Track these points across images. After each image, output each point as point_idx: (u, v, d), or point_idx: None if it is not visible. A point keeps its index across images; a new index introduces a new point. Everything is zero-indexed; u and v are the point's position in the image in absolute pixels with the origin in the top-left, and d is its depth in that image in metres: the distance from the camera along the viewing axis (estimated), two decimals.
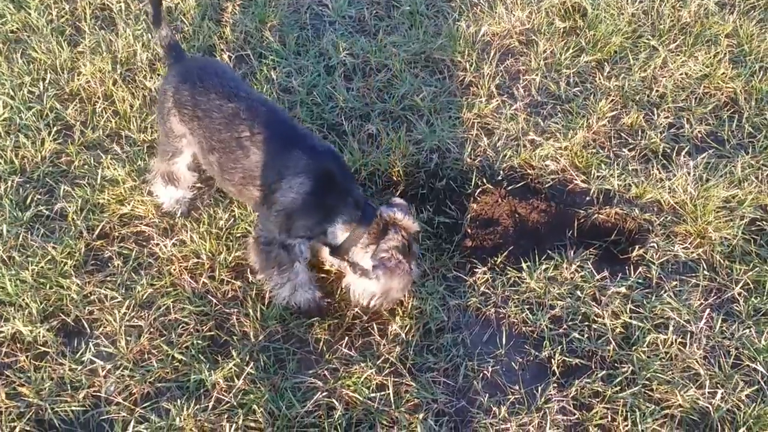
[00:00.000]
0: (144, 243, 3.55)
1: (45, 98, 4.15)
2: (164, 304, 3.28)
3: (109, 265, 3.46)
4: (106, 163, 3.82)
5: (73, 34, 4.64)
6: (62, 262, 3.41)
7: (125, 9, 4.78)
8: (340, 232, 3.08)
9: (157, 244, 3.51)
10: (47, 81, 4.27)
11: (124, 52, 4.44)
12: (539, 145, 4.03)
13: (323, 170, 3.00)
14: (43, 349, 3.13)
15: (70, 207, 3.63)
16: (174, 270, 3.41)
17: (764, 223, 3.75)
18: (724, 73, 4.56)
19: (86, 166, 3.85)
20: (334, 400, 2.99)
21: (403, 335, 3.23)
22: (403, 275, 3.04)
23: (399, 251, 3.02)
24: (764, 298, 3.41)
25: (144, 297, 3.32)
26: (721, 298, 3.43)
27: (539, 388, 3.08)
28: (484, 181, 3.85)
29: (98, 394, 3.01)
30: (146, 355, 3.14)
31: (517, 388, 3.09)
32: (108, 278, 3.40)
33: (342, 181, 3.05)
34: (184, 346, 3.16)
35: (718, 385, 3.09)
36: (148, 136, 3.99)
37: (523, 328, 3.30)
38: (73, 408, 2.96)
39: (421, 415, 2.97)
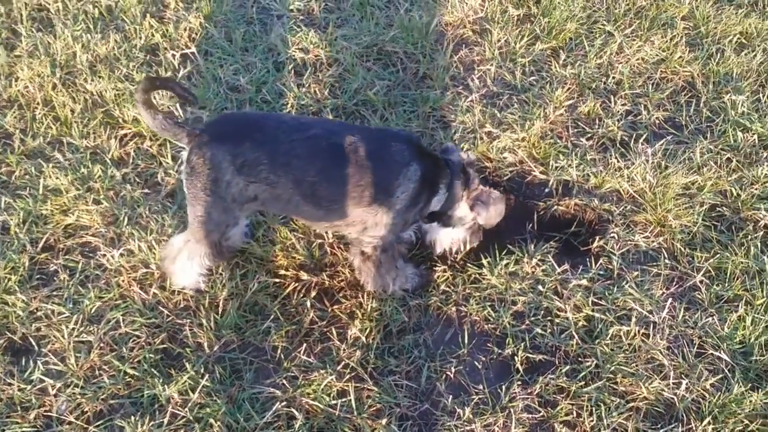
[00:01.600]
0: (90, 254, 3.41)
1: None
2: (114, 318, 3.15)
3: (55, 278, 3.32)
4: (48, 172, 3.66)
5: (9, 38, 4.45)
6: (5, 277, 3.27)
7: (63, 9, 4.59)
8: (442, 197, 3.17)
9: (104, 255, 3.37)
10: None
11: (63, 54, 4.27)
12: (496, 137, 3.97)
13: (418, 148, 3.03)
14: None
15: (12, 220, 3.48)
16: (123, 281, 3.29)
17: (724, 208, 3.74)
18: (680, 56, 4.54)
19: (27, 176, 3.68)
20: (293, 410, 2.90)
21: (363, 339, 3.15)
22: (498, 201, 3.24)
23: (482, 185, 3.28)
24: (726, 285, 3.40)
25: (92, 311, 3.19)
26: (683, 287, 3.41)
27: (503, 387, 3.02)
28: None
29: (50, 413, 2.90)
30: (97, 372, 3.02)
31: (481, 387, 3.03)
32: (54, 293, 3.27)
33: (429, 150, 3.15)
34: (136, 360, 3.05)
35: (683, 376, 3.07)
36: (91, 142, 3.83)
37: (486, 326, 3.24)
38: (25, 429, 2.84)
39: (384, 421, 2.90)
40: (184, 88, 3.00)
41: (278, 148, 2.84)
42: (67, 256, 3.39)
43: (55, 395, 2.94)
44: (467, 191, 3.20)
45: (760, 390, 3.01)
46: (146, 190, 3.65)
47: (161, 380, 2.96)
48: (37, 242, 3.43)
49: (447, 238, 3.37)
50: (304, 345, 3.13)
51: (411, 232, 3.28)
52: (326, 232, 3.47)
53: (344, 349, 3.12)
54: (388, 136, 3.11)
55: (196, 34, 4.49)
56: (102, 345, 3.09)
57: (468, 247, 3.41)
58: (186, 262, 3.14)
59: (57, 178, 3.63)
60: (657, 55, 4.55)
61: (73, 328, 3.12)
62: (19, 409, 2.90)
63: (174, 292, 3.26)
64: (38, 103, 4.03)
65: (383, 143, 2.98)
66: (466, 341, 3.17)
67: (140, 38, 4.42)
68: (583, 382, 3.03)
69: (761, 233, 3.62)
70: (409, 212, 3.05)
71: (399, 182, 2.94)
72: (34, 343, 3.10)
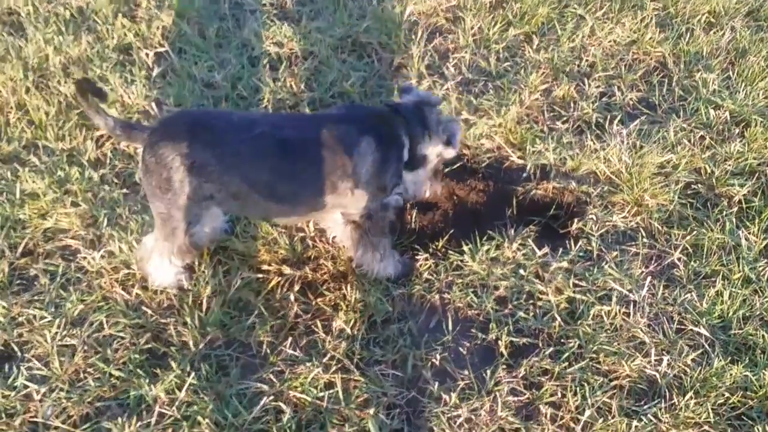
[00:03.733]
0: (71, 257, 3.39)
1: None
2: (97, 320, 3.13)
3: (36, 283, 3.30)
4: (25, 176, 3.63)
5: None
6: None
7: (33, 12, 4.56)
8: (406, 144, 3.17)
9: (85, 258, 3.35)
10: None
11: (35, 57, 4.23)
12: (473, 124, 3.99)
13: (364, 120, 3.06)
14: None
15: None
16: (104, 283, 3.27)
17: (699, 186, 3.79)
18: (651, 37, 4.59)
19: (3, 181, 3.66)
20: (281, 404, 2.90)
21: (348, 330, 3.16)
22: (459, 128, 3.33)
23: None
24: (703, 261, 3.45)
25: (75, 314, 3.17)
26: (662, 265, 3.45)
27: (488, 371, 3.04)
28: None
29: (35, 419, 2.86)
30: (82, 375, 2.99)
31: (466, 373, 3.05)
32: (35, 297, 3.24)
33: (376, 110, 3.24)
34: (121, 361, 3.03)
35: (664, 352, 3.11)
36: (66, 144, 3.81)
37: (469, 312, 3.26)
38: None
39: (371, 410, 2.91)
40: (92, 83, 2.97)
41: (226, 149, 2.85)
42: (47, 260, 3.37)
43: (40, 400, 2.91)
44: (429, 130, 3.20)
45: (739, 363, 3.05)
46: (125, 191, 3.64)
47: (147, 380, 2.95)
48: (15, 247, 3.41)
49: (410, 183, 3.35)
50: (290, 339, 3.13)
51: (397, 196, 3.24)
52: (307, 224, 3.48)
53: (330, 341, 3.12)
54: (330, 119, 3.07)
55: (169, 32, 4.47)
56: (86, 348, 3.07)
57: (433, 190, 3.43)
58: (159, 262, 3.15)
59: (34, 181, 3.61)
60: (628, 36, 4.60)
61: (56, 332, 3.09)
62: (3, 416, 2.86)
63: (157, 291, 3.25)
64: (12, 108, 4.00)
65: (329, 129, 2.96)
66: (450, 328, 3.19)
67: (113, 38, 4.40)
68: (566, 363, 3.06)
69: (736, 208, 3.67)
70: (383, 178, 3.05)
71: (355, 161, 2.95)
72: (16, 349, 3.07)
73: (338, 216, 3.20)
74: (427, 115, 3.21)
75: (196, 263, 3.29)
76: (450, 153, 3.31)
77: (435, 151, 3.27)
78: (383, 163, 3.03)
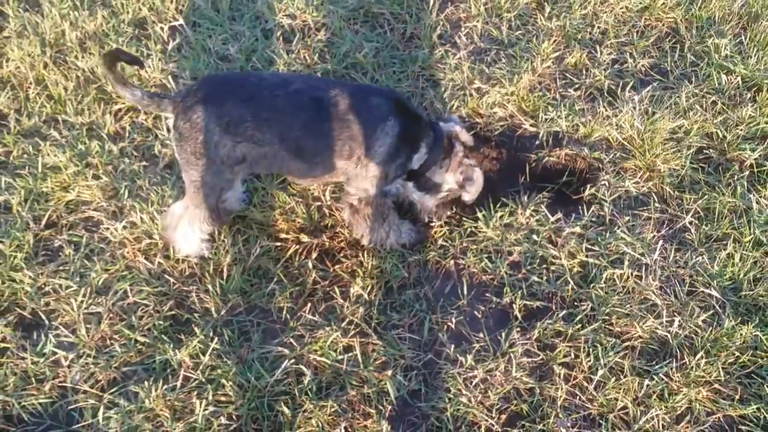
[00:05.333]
0: (94, 228, 3.47)
1: None
2: (121, 288, 3.22)
3: (61, 254, 3.38)
4: (46, 150, 3.70)
5: None
6: (11, 255, 3.32)
7: None
8: (422, 157, 3.22)
9: (107, 229, 3.43)
10: None
11: (51, 33, 4.28)
12: (486, 93, 4.02)
13: (401, 106, 3.08)
14: (2, 345, 3.06)
15: (13, 199, 3.52)
16: (127, 253, 3.35)
17: (711, 150, 3.82)
18: (663, 3, 4.58)
19: (25, 155, 3.73)
20: (302, 366, 2.99)
21: (366, 295, 3.23)
22: (480, 178, 3.29)
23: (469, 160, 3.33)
24: (714, 224, 3.49)
25: (100, 283, 3.25)
26: (673, 229, 3.50)
27: (503, 334, 3.12)
28: None
29: (64, 384, 2.97)
30: (108, 341, 3.09)
31: (481, 335, 3.12)
32: (61, 267, 3.32)
33: (414, 109, 3.21)
34: (145, 328, 3.12)
35: (675, 314, 3.17)
36: (86, 118, 3.87)
37: (483, 277, 3.33)
38: (41, 401, 2.91)
39: (389, 372, 2.99)
40: (126, 52, 3.03)
41: (261, 103, 2.89)
42: (70, 232, 3.45)
43: (69, 366, 3.01)
44: (449, 161, 3.27)
45: (749, 323, 3.11)
46: (144, 163, 3.70)
47: (172, 345, 3.04)
48: (40, 219, 3.49)
49: (416, 202, 3.46)
50: (309, 305, 3.21)
51: (397, 185, 3.33)
52: (322, 192, 3.53)
53: (347, 307, 3.20)
54: (368, 91, 3.15)
55: (183, 5, 4.50)
56: (111, 315, 3.16)
57: (434, 219, 3.48)
58: (187, 229, 3.20)
59: (55, 155, 3.68)
60: (640, 2, 4.59)
61: (82, 301, 3.18)
62: (34, 381, 2.96)
63: (179, 260, 3.33)
64: (31, 83, 4.06)
65: (363, 98, 3.02)
66: (465, 292, 3.26)
67: (128, 13, 4.43)
68: (579, 325, 3.12)
69: (747, 173, 3.70)
70: (389, 165, 3.10)
71: (377, 136, 3.00)
72: (44, 317, 3.16)
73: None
74: (456, 149, 3.27)
75: (216, 233, 3.35)
76: (465, 197, 3.37)
77: (447, 185, 3.32)
78: (396, 151, 3.07)
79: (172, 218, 3.26)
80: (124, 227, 3.42)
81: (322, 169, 3.07)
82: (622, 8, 4.54)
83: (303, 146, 2.99)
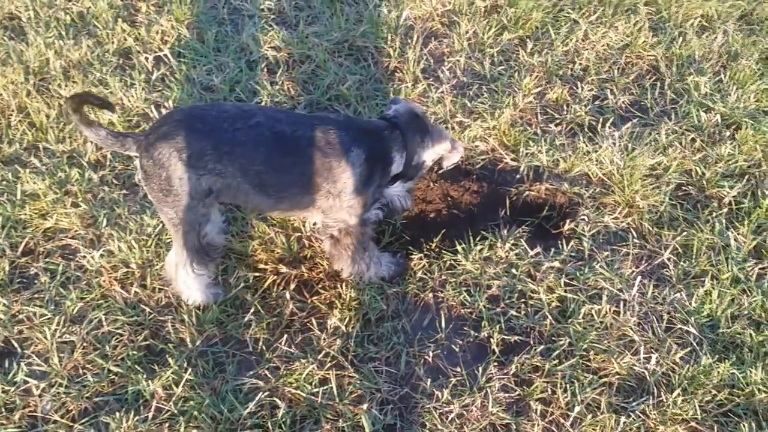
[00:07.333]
0: (71, 256, 3.45)
1: None
2: (96, 317, 3.19)
3: (36, 281, 3.36)
4: (26, 177, 3.69)
5: None
6: None
7: (35, 17, 4.63)
8: (400, 163, 3.20)
9: (85, 257, 3.41)
10: None
11: (36, 61, 4.30)
12: (467, 126, 4.05)
13: (358, 131, 3.07)
14: None
15: None
16: (104, 281, 3.33)
17: (690, 187, 3.84)
18: (644, 41, 4.66)
19: (4, 182, 3.72)
20: (276, 399, 2.96)
21: (343, 327, 3.21)
22: (461, 146, 3.41)
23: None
24: (693, 261, 3.50)
25: (74, 311, 3.23)
26: (652, 265, 3.51)
27: (480, 368, 3.10)
28: None
29: (34, 413, 2.93)
30: (81, 370, 3.06)
31: (458, 370, 3.10)
32: (36, 295, 3.30)
33: (370, 123, 3.24)
34: (119, 357, 3.09)
35: (653, 350, 3.16)
36: (67, 146, 3.88)
37: (462, 310, 3.32)
38: (10, 430, 2.87)
39: (365, 406, 2.96)
40: (98, 97, 3.03)
41: (221, 136, 2.86)
42: (47, 259, 3.43)
43: (40, 395, 2.97)
44: (427, 139, 3.24)
45: (726, 361, 3.10)
46: (124, 192, 3.70)
47: (145, 376, 3.01)
48: (16, 246, 3.47)
49: (402, 195, 3.44)
50: (285, 336, 3.19)
51: (376, 211, 3.31)
52: (302, 222, 3.53)
53: (325, 339, 3.18)
54: (328, 122, 3.09)
55: (169, 36, 4.54)
56: (85, 344, 3.13)
57: (407, 205, 3.49)
58: (184, 275, 3.16)
59: (34, 182, 3.67)
60: (621, 40, 4.66)
61: (56, 329, 3.16)
62: (3, 410, 2.93)
63: (155, 289, 3.31)
64: (13, 110, 4.07)
65: (324, 131, 2.99)
66: (443, 326, 3.24)
67: (113, 43, 4.46)
68: (557, 361, 3.11)
69: (725, 210, 3.72)
70: (365, 192, 3.09)
71: (342, 169, 2.99)
72: (17, 345, 3.13)
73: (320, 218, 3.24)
74: (425, 122, 3.26)
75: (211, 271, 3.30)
76: (455, 158, 3.37)
77: (432, 156, 3.31)
78: (368, 179, 3.06)
79: (169, 268, 3.23)
80: (102, 255, 3.40)
81: (290, 203, 3.06)
82: (603, 45, 4.61)
83: (265, 181, 2.96)
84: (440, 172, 3.62)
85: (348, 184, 3.01)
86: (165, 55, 4.40)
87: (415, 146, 3.20)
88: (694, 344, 3.19)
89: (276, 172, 2.95)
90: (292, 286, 3.37)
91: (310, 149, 2.93)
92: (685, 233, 3.59)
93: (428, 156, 3.29)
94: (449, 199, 3.76)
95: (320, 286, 3.39)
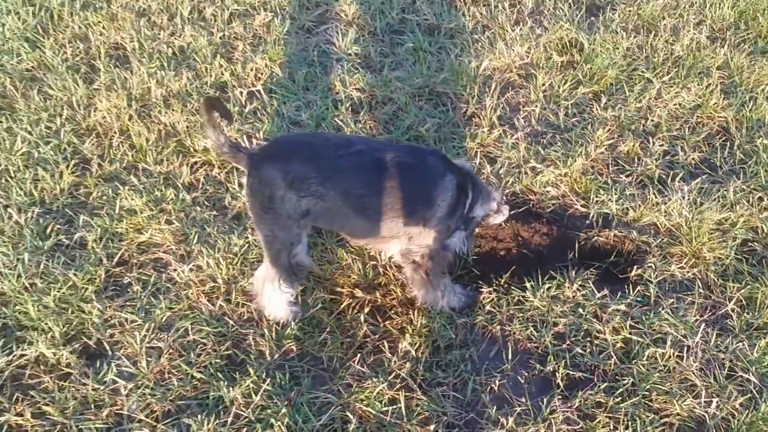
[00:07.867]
0: (162, 269, 3.68)
1: (62, 133, 4.32)
2: (182, 327, 3.39)
3: (129, 290, 3.58)
4: (124, 194, 3.97)
5: (88, 72, 4.84)
6: (83, 287, 3.53)
7: (139, 48, 4.99)
8: (473, 202, 3.39)
9: (175, 270, 3.64)
10: (64, 117, 4.44)
11: (138, 88, 4.63)
12: (540, 172, 4.20)
13: (448, 161, 3.27)
14: (66, 370, 3.23)
15: (89, 236, 3.76)
16: (191, 294, 3.54)
17: (755, 243, 3.91)
18: (716, 103, 4.75)
19: (104, 197, 4.00)
20: (348, 414, 3.10)
21: (413, 352, 3.35)
22: (507, 209, 3.66)
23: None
24: (756, 313, 3.55)
25: (163, 320, 3.44)
26: (716, 314, 3.57)
27: (544, 400, 3.19)
28: None
29: (121, 412, 3.11)
30: (166, 375, 3.24)
31: (523, 400, 3.20)
32: (128, 303, 3.52)
33: (458, 163, 3.40)
34: (202, 365, 3.27)
35: (714, 395, 3.21)
36: (164, 168, 4.15)
37: (528, 345, 3.43)
38: (97, 425, 3.04)
39: (431, 427, 3.08)
40: (224, 106, 3.22)
41: (325, 162, 3.04)
42: (140, 270, 3.67)
43: (127, 395, 3.15)
44: (481, 195, 3.44)
45: None
46: (214, 212, 3.94)
47: (226, 383, 3.18)
48: (112, 257, 3.71)
49: (461, 239, 3.54)
50: (358, 356, 3.34)
51: (456, 239, 3.44)
52: (379, 254, 3.70)
53: (395, 361, 3.32)
54: (422, 151, 3.36)
55: (262, 73, 4.84)
56: (171, 351, 3.32)
57: (467, 249, 3.62)
58: (270, 291, 3.33)
59: (132, 199, 3.94)
60: (693, 101, 4.77)
61: (145, 335, 3.36)
62: (92, 407, 3.11)
63: (239, 304, 3.50)
64: (115, 132, 4.37)
65: (420, 158, 3.20)
66: (509, 357, 3.36)
67: (210, 76, 4.78)
68: (620, 398, 3.19)
69: None
70: (450, 219, 3.25)
71: (438, 192, 3.17)
72: (108, 348, 3.34)
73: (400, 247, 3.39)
74: (478, 181, 3.46)
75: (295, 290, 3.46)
76: (499, 219, 3.59)
77: (481, 213, 3.50)
78: (456, 204, 3.24)
79: (257, 283, 3.41)
80: (191, 270, 3.62)
81: (386, 228, 3.19)
82: (675, 104, 4.73)
83: (366, 204, 3.11)
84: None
85: (441, 207, 3.18)
86: (258, 91, 4.69)
87: (476, 196, 3.39)
88: (754, 392, 3.24)
89: (378, 195, 3.10)
90: (366, 310, 3.52)
91: (409, 174, 3.11)
92: (749, 287, 3.65)
93: (478, 212, 3.46)
94: (519, 238, 3.90)
95: (393, 311, 3.54)
